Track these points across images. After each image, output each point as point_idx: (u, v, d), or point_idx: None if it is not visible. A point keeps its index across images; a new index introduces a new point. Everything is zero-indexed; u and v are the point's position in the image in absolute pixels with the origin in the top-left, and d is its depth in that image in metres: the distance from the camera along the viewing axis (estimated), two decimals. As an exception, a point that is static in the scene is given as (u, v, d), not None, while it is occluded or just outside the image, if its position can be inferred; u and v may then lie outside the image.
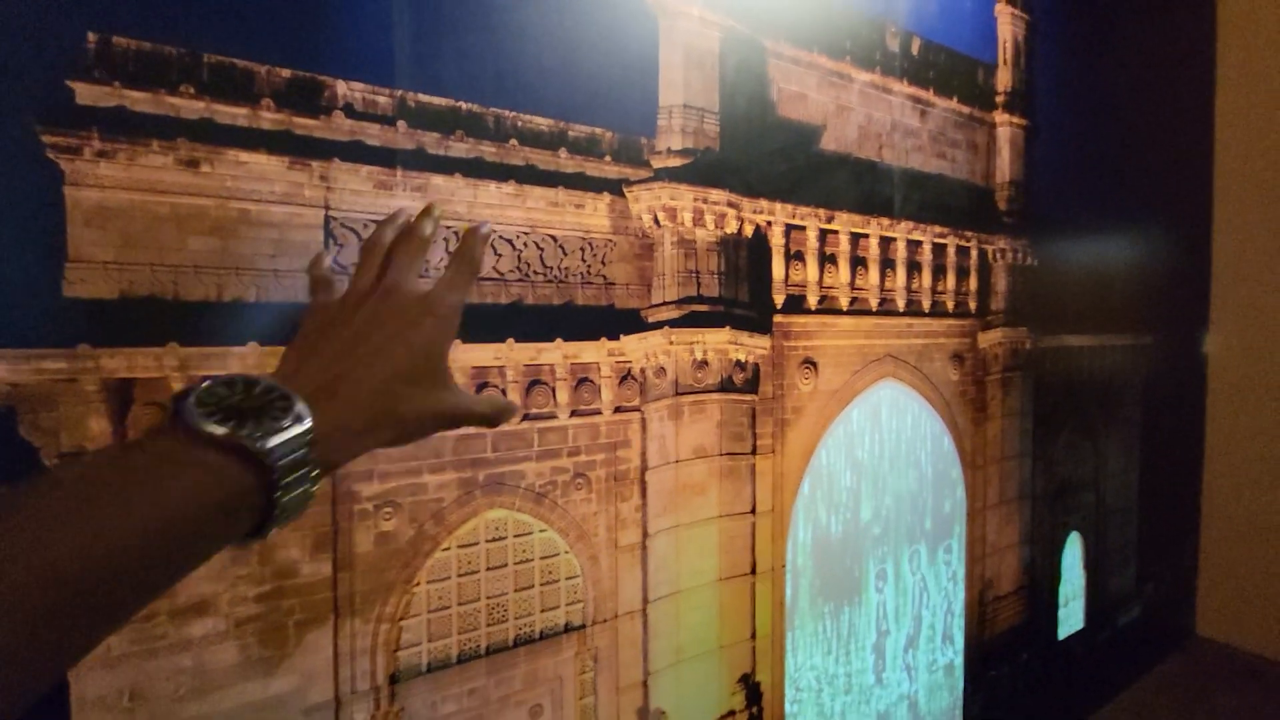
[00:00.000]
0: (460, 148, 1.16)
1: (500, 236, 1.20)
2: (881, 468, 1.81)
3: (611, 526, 1.32)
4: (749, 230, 1.50)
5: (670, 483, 1.40)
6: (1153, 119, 2.82)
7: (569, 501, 1.27)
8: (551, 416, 1.25)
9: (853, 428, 1.74)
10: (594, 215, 1.29)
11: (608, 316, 1.31)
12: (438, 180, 1.14)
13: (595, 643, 1.32)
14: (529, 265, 1.22)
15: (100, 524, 0.30)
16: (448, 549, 1.16)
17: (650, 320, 1.36)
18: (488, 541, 1.20)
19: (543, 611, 1.26)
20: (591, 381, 1.29)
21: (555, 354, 1.25)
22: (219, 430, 0.34)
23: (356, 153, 1.08)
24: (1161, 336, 2.88)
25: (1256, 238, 3.11)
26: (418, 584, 1.14)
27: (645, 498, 1.37)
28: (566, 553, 1.28)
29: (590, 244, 1.28)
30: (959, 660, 2.08)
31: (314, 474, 0.37)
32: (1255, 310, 3.12)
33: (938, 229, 1.90)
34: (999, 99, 2.06)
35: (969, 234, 1.99)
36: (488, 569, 1.20)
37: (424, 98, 1.13)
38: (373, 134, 1.10)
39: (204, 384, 0.36)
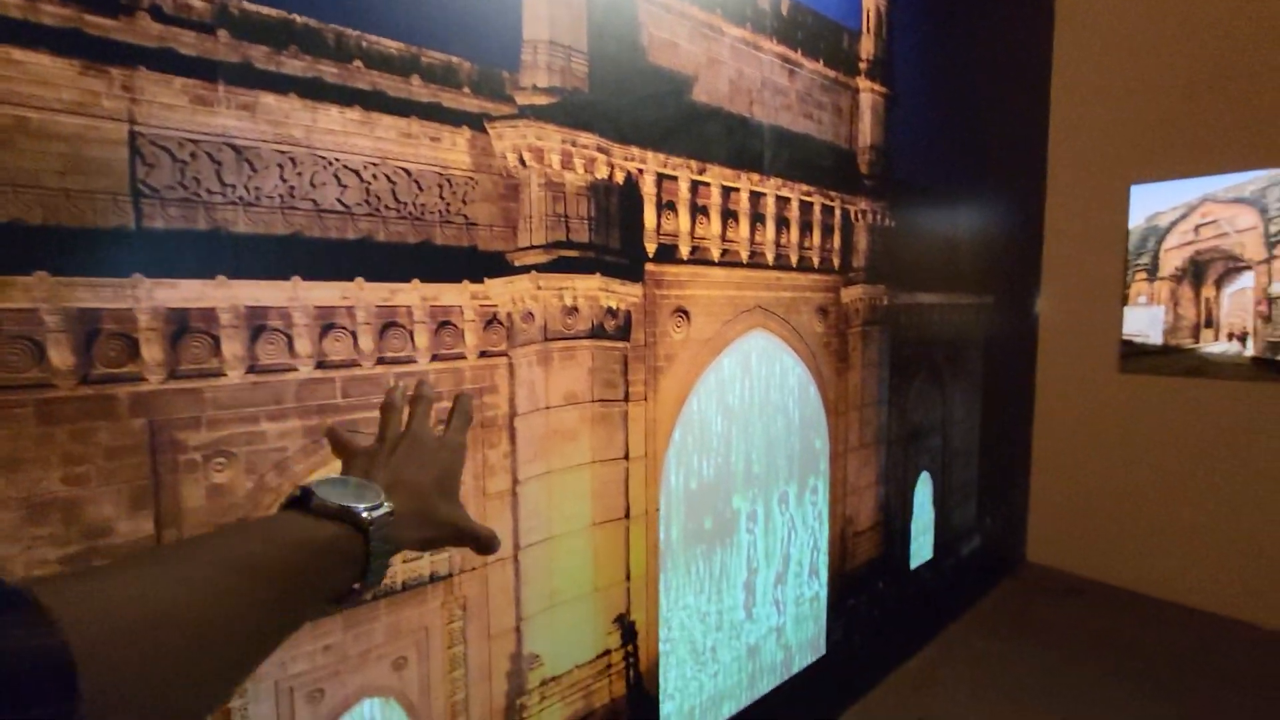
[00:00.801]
0: (295, 65, 1.06)
1: (345, 166, 1.11)
2: (752, 414, 1.90)
3: (479, 474, 1.30)
4: (620, 177, 1.50)
5: (541, 429, 1.39)
6: (997, 99, 3.09)
7: (431, 449, 1.23)
8: (410, 361, 1.19)
9: (724, 375, 1.80)
10: (453, 150, 1.23)
11: (470, 258, 1.26)
12: (269, 99, 1.03)
13: (463, 591, 1.30)
14: (379, 199, 1.15)
15: (225, 558, 0.38)
16: (293, 500, 1.09)
17: (517, 264, 1.33)
18: (340, 491, 1.14)
19: (405, 563, 1.22)
20: (454, 325, 1.24)
21: (413, 295, 1.19)
22: (338, 502, 0.45)
23: (168, 62, 0.96)
24: (1000, 296, 3.21)
25: (1081, 211, 3.52)
26: (260, 538, 1.06)
27: (515, 444, 1.35)
28: (430, 501, 1.24)
29: (449, 181, 1.23)
30: (823, 593, 2.25)
31: (388, 548, 0.48)
32: (1079, 275, 3.54)
33: (805, 187, 1.99)
34: (862, 66, 2.17)
35: (833, 194, 2.10)
36: (341, 520, 1.14)
37: (250, 5, 1.01)
38: (188, 42, 0.98)
39: (321, 480, 0.48)
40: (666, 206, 1.61)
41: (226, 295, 1.01)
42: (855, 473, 2.33)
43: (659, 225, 1.60)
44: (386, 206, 1.16)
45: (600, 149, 1.44)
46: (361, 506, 0.46)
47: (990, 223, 3.08)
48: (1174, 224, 3.19)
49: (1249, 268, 2.99)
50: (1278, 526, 2.94)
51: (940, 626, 2.98)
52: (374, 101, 1.13)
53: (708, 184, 1.70)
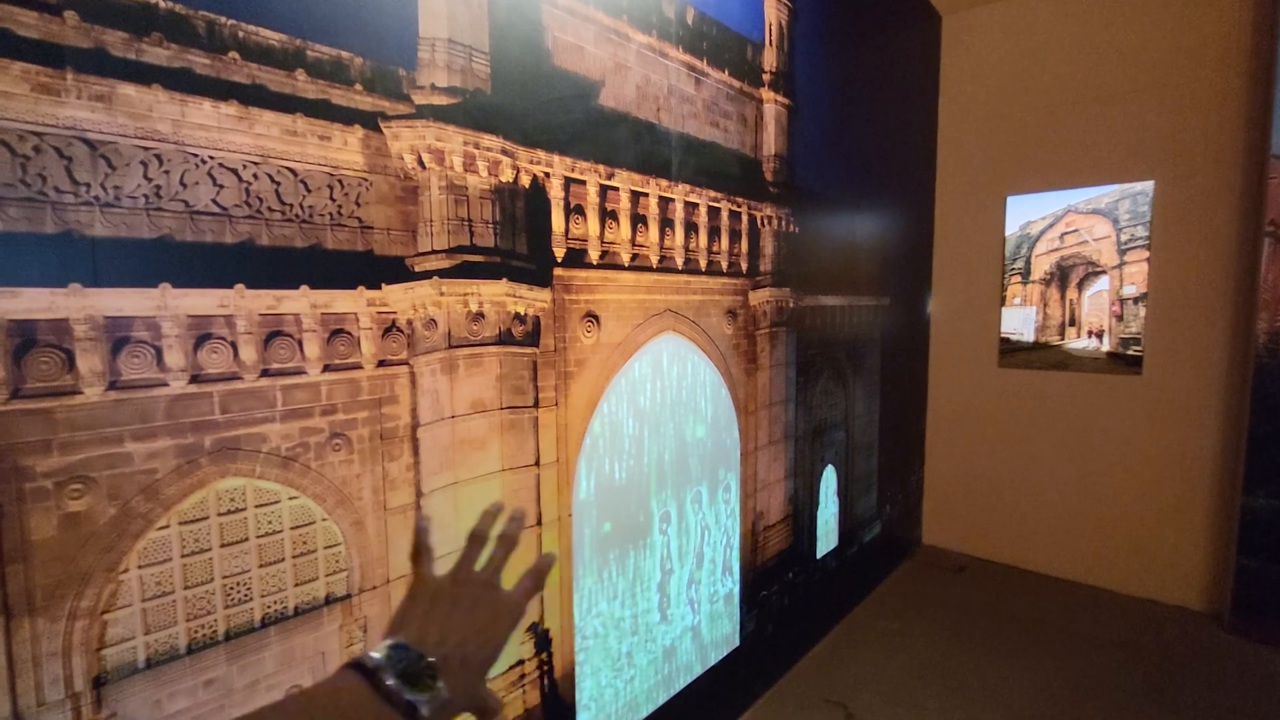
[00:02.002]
0: (160, 54, 0.97)
1: (221, 165, 1.03)
2: (664, 416, 1.93)
3: (379, 488, 1.24)
4: (526, 181, 1.48)
5: (447, 439, 1.35)
6: (891, 115, 3.29)
7: (325, 464, 1.17)
8: (298, 372, 1.13)
9: (636, 379, 1.82)
10: (344, 150, 1.17)
11: (366, 263, 1.21)
12: (128, 90, 0.94)
13: (364, 612, 1.24)
14: (261, 201, 1.08)
15: None
16: (166, 527, 1.00)
17: (418, 269, 1.28)
18: (221, 515, 1.06)
19: (297, 585, 1.15)
20: (348, 334, 1.19)
21: (301, 303, 1.12)
22: (399, 688, 0.47)
23: (3, 44, 0.86)
24: (896, 298, 3.42)
25: (965, 219, 3.81)
26: (125, 570, 0.97)
27: (418, 456, 1.30)
28: (324, 520, 1.18)
29: (340, 182, 1.17)
30: (737, 589, 2.32)
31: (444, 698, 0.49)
32: (963, 278, 3.82)
33: (712, 193, 2.04)
34: (765, 77, 2.25)
35: (740, 200, 2.17)
36: (222, 545, 1.06)
37: (102, -14, 0.92)
38: (29, 23, 0.88)
39: (390, 646, 0.50)
40: (575, 211, 1.60)
41: (81, 305, 0.92)
42: (765, 469, 2.42)
43: (567, 230, 1.59)
44: (270, 208, 1.09)
45: (505, 151, 1.42)
46: (422, 699, 0.47)
47: (886, 229, 3.27)
48: (1043, 232, 3.52)
49: (1105, 272, 3.35)
50: (1128, 502, 3.31)
51: (845, 610, 3.15)
52: (253, 96, 1.06)
53: (617, 189, 1.71)
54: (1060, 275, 3.50)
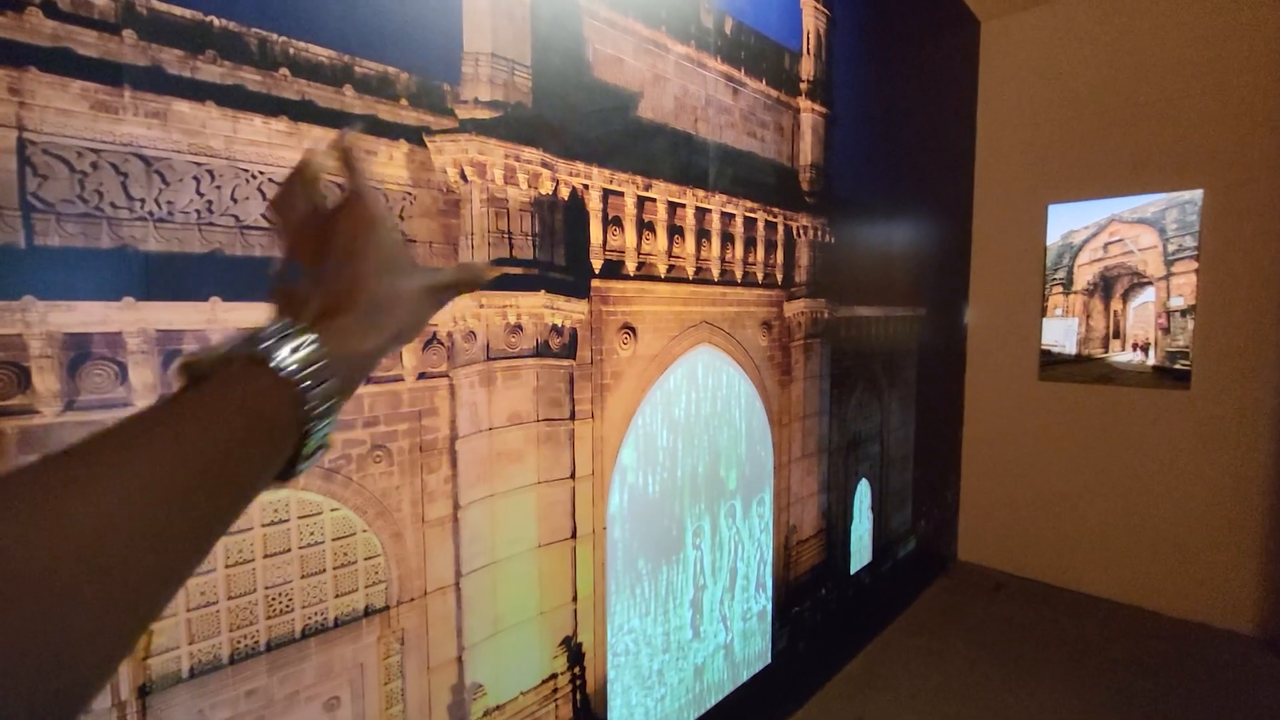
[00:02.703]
0: (212, 71, 0.99)
1: (271, 180, 1.05)
2: (699, 429, 1.91)
3: (417, 500, 1.24)
4: (565, 193, 1.47)
5: (484, 451, 1.35)
6: (928, 123, 3.23)
7: (366, 476, 1.17)
8: (342, 385, 1.13)
9: (671, 392, 1.80)
10: (389, 164, 1.17)
11: (408, 276, 1.21)
12: (182, 107, 0.96)
13: (401, 624, 1.24)
14: (309, 215, 1.08)
15: (134, 465, 0.28)
16: (212, 538, 1.01)
17: (458, 281, 1.28)
18: (264, 526, 1.07)
19: (337, 597, 1.16)
20: (390, 346, 1.19)
21: (345, 316, 1.13)
22: (232, 351, 0.34)
23: (64, 63, 0.88)
24: (932, 309, 3.35)
25: (1004, 228, 3.72)
26: (173, 581, 0.98)
27: (456, 468, 1.30)
28: (365, 531, 1.18)
29: (385, 196, 1.17)
30: (769, 606, 2.28)
31: (335, 395, 0.37)
32: (1003, 289, 3.73)
33: (749, 204, 2.02)
34: (803, 86, 2.22)
35: (776, 210, 2.14)
36: (265, 556, 1.07)
37: (160, 5, 0.94)
38: (87, 42, 0.89)
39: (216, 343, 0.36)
40: (612, 222, 1.60)
41: (134, 318, 0.93)
42: (799, 482, 2.38)
43: (605, 241, 1.58)
44: (317, 222, 1.09)
45: (545, 164, 1.42)
46: (272, 349, 0.34)
47: (923, 239, 3.21)
48: (1086, 241, 3.42)
49: (1150, 283, 3.24)
50: (1175, 521, 3.18)
51: (879, 627, 3.08)
52: (302, 112, 1.07)
53: (654, 200, 1.70)
54: (1104, 286, 3.39)
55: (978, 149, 3.76)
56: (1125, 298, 3.34)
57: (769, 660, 2.29)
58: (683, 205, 1.79)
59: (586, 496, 1.58)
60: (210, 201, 1.00)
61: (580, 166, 1.50)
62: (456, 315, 1.28)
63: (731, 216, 1.96)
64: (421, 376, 1.24)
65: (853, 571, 2.78)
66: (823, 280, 2.38)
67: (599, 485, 1.61)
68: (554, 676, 1.53)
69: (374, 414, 1.17)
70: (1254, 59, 2.87)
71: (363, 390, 1.16)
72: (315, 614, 1.13)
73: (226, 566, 1.04)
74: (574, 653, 1.57)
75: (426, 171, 1.22)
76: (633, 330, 1.67)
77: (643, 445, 1.73)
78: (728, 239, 1.95)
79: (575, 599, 1.57)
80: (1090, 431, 3.42)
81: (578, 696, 1.58)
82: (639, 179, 1.65)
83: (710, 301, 1.91)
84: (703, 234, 1.86)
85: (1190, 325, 3.11)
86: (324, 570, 1.14)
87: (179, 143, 0.97)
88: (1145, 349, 3.28)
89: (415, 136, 1.20)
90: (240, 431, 0.32)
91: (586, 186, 1.52)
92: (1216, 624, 3.09)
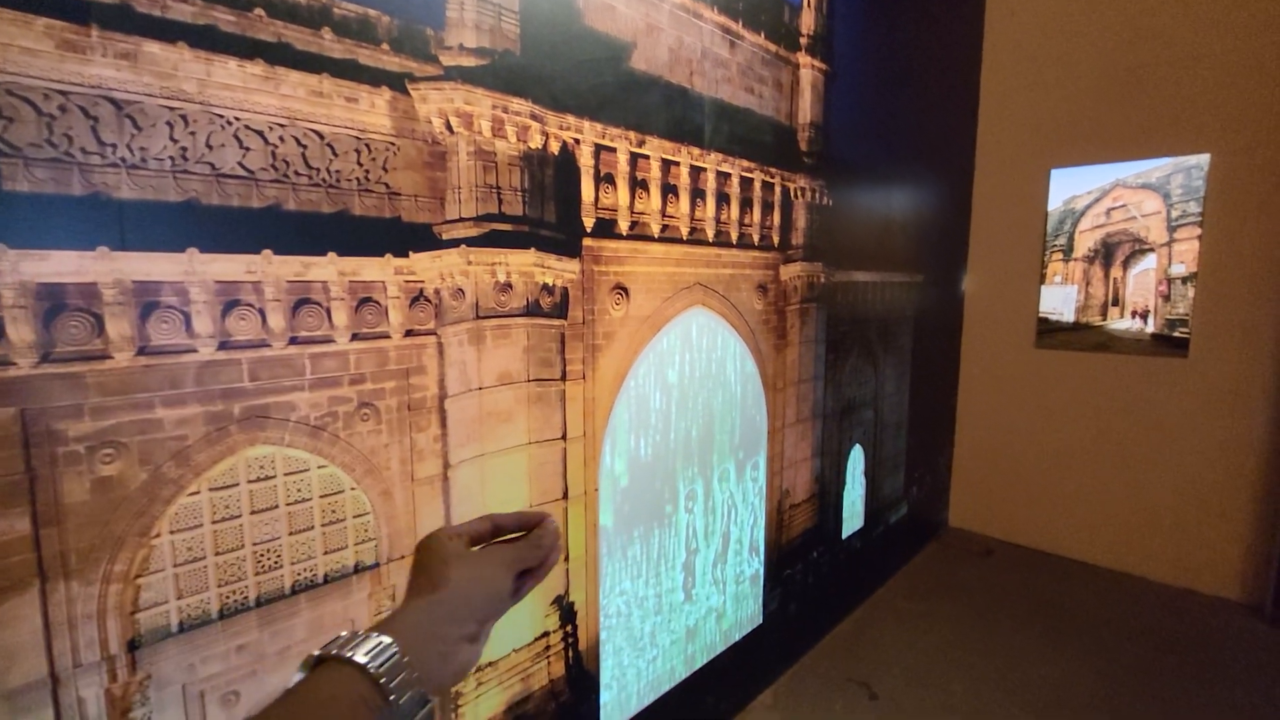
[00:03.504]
0: (184, 10, 0.94)
1: (247, 126, 1.01)
2: (692, 392, 1.90)
3: (406, 459, 1.23)
4: (555, 147, 1.43)
5: (474, 411, 1.34)
6: (930, 84, 3.15)
7: (354, 434, 1.16)
8: (327, 340, 1.11)
9: (665, 353, 1.78)
10: (371, 112, 1.13)
11: (393, 230, 1.18)
12: (152, 48, 0.92)
13: (392, 580, 1.24)
14: (288, 164, 1.05)
15: None
16: (196, 493, 1.00)
17: (445, 237, 1.25)
18: (251, 482, 1.06)
19: (326, 554, 1.15)
20: (376, 302, 1.16)
21: (329, 270, 1.10)
22: (336, 652, 0.43)
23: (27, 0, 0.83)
24: (930, 275, 3.32)
25: (1005, 193, 3.66)
26: (158, 535, 0.97)
27: (445, 427, 1.29)
28: (353, 489, 1.17)
29: (368, 146, 1.13)
30: (762, 569, 2.30)
31: (413, 684, 0.43)
32: (1002, 255, 3.69)
33: (745, 163, 1.97)
34: (803, 41, 2.15)
35: (774, 171, 2.10)
36: (252, 512, 1.06)
37: (124, -63, 0.89)
38: (49, -24, 0.85)
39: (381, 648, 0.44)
40: (604, 179, 1.56)
41: (110, 269, 0.90)
42: (793, 447, 2.38)
43: (597, 199, 1.54)
44: (296, 172, 1.06)
45: (534, 116, 1.37)
46: (360, 654, 0.42)
47: (922, 204, 3.16)
48: (1088, 207, 3.37)
49: (1152, 250, 3.20)
50: (1168, 489, 3.20)
51: (870, 590, 3.12)
52: (279, 55, 1.03)
53: (647, 157, 1.66)
54: (1105, 253, 3.36)
55: (981, 111, 3.68)
56: (1126, 265, 3.31)
57: (760, 621, 2.32)
58: (677, 163, 1.75)
59: (578, 457, 1.57)
60: (185, 148, 0.96)
61: (571, 120, 1.46)
62: (444, 272, 1.25)
63: (727, 176, 1.92)
64: (409, 334, 1.21)
65: (845, 536, 2.81)
66: (820, 244, 2.35)
67: (590, 446, 1.60)
68: (546, 634, 1.54)
69: (360, 371, 1.15)
70: (1264, 21, 2.79)
71: (348, 346, 1.14)
72: (305, 570, 1.13)
73: (213, 522, 1.03)
74: (566, 612, 1.58)
75: (410, 121, 1.18)
76: (625, 291, 1.65)
77: (635, 407, 1.72)
78: (723, 199, 1.91)
79: (567, 559, 1.57)
80: (1086, 399, 3.43)
81: (570, 654, 1.60)
82: (632, 134, 1.61)
83: (705, 263, 1.88)
84: (698, 193, 1.82)
85: (1191, 293, 3.09)
86: (312, 527, 1.13)
87: (150, 86, 0.93)
88: (1144, 316, 3.26)
89: (398, 83, 1.16)
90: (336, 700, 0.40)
91: (578, 141, 1.48)
92: (1204, 590, 3.14)
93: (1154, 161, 3.14)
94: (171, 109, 0.94)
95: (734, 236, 1.97)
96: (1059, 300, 3.52)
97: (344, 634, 0.45)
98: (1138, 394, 3.26)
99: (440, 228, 1.24)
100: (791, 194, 2.19)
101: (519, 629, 1.48)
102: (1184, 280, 3.10)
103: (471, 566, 0.51)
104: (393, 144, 1.17)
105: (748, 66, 1.96)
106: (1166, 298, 3.17)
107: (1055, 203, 3.46)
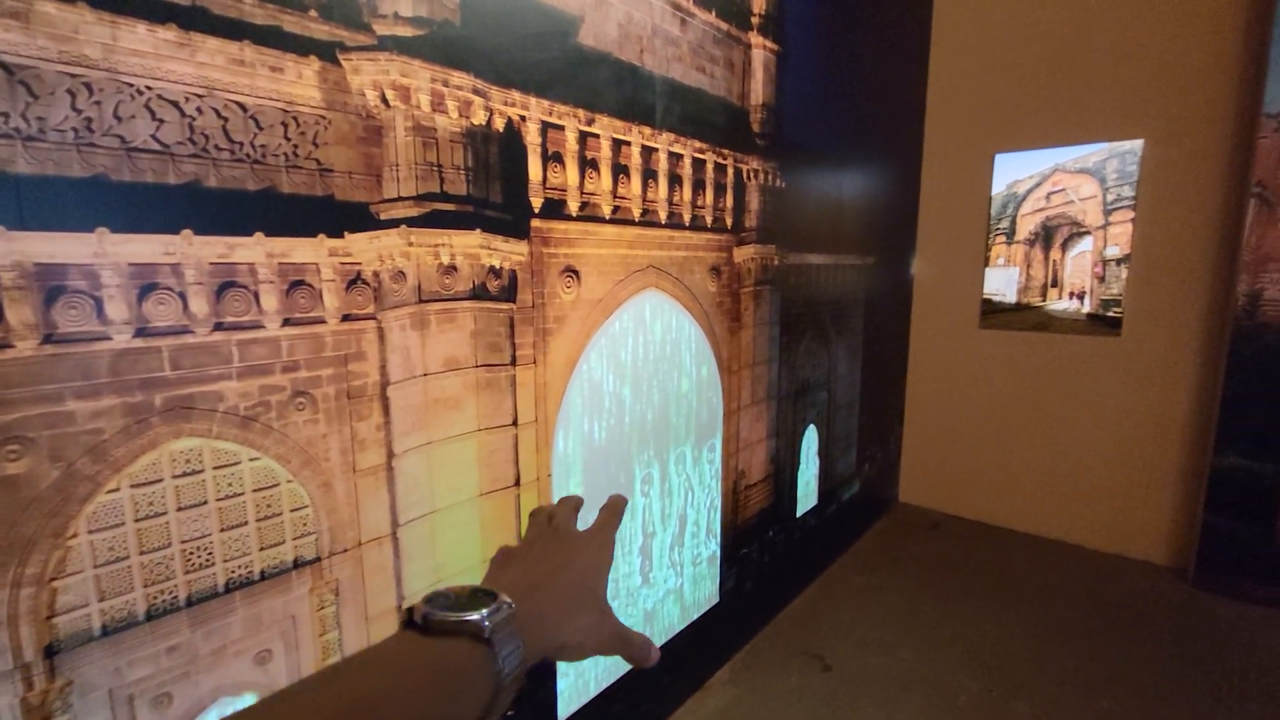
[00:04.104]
0: (81, -34, 0.86)
1: (161, 96, 0.94)
2: (646, 375, 1.89)
3: (347, 449, 1.19)
4: (500, 124, 1.39)
5: (419, 398, 1.30)
6: (881, 69, 3.18)
7: (288, 424, 1.11)
8: (256, 326, 1.05)
9: (617, 337, 1.77)
10: (299, 83, 1.07)
11: (326, 210, 1.12)
12: (48, 8, 0.84)
13: (335, 575, 1.20)
14: (208, 138, 0.98)
15: (338, 708, 0.33)
16: (116, 490, 0.94)
17: (384, 218, 1.20)
18: (176, 477, 1.00)
19: (262, 549, 1.11)
20: (309, 286, 1.11)
21: (255, 251, 1.04)
22: (452, 616, 0.40)
23: (-110, -53, 0.75)
24: (881, 258, 3.38)
25: (952, 177, 3.75)
26: (75, 536, 0.91)
27: (389, 415, 1.25)
28: (290, 481, 1.12)
29: (295, 119, 1.07)
30: (719, 549, 2.32)
31: (517, 660, 0.40)
32: (948, 238, 3.78)
33: (697, 144, 1.96)
34: (754, 20, 2.14)
35: (726, 152, 2.09)
36: (179, 509, 1.01)
37: (8, -118, 0.81)
38: (-81, -77, 0.77)
39: (435, 593, 0.42)
40: (553, 159, 1.52)
41: (6, 250, 0.83)
42: (748, 428, 2.40)
43: (545, 179, 1.51)
44: (217, 147, 0.99)
45: (477, 91, 1.32)
46: (477, 615, 0.40)
47: (873, 186, 3.20)
48: (1030, 191, 3.48)
49: (1089, 233, 3.33)
50: (1101, 461, 3.37)
51: (823, 566, 3.20)
52: (194, 20, 0.96)
53: (597, 136, 1.62)
54: (1045, 236, 3.48)
55: (929, 96, 3.74)
56: (1064, 247, 3.43)
57: (717, 600, 2.35)
58: (628, 143, 1.72)
59: (530, 443, 1.55)
60: (90, 119, 0.89)
61: (516, 95, 1.41)
62: (383, 254, 1.20)
63: (680, 157, 1.90)
64: (346, 319, 1.16)
65: (799, 515, 2.87)
66: (773, 226, 2.36)
67: (543, 432, 1.58)
68: (500, 622, 1.52)
69: (294, 358, 1.10)
70: (1196, 10, 2.90)
71: (279, 332, 1.08)
72: (239, 567, 1.08)
73: (136, 520, 0.97)
74: (520, 598, 1.57)
75: (342, 93, 1.12)
76: (576, 273, 1.62)
77: (588, 392, 1.70)
78: (675, 180, 1.89)
79: (521, 545, 1.55)
80: (1026, 377, 3.56)
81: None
82: (581, 112, 1.57)
83: (657, 245, 1.87)
84: (649, 174, 1.80)
85: (1124, 274, 3.23)
86: (246, 523, 1.08)
87: (47, 49, 0.85)
88: (1081, 297, 3.40)
89: (328, 53, 1.10)
90: (446, 683, 0.37)
91: (524, 118, 1.44)
92: (1134, 556, 3.33)
93: (1092, 146, 3.25)
94: (73, 75, 0.87)
95: (687, 218, 1.96)
96: (1002, 282, 3.63)
97: (457, 589, 0.43)
98: (1074, 372, 3.41)
99: (378, 207, 1.19)
100: (744, 176, 2.18)
101: (472, 618, 1.46)
102: (1118, 262, 3.24)
103: (591, 543, 0.54)
104: (323, 118, 1.11)
105: (699, 45, 1.93)
106: (1102, 279, 3.31)
107: (999, 187, 3.56)
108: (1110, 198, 3.23)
